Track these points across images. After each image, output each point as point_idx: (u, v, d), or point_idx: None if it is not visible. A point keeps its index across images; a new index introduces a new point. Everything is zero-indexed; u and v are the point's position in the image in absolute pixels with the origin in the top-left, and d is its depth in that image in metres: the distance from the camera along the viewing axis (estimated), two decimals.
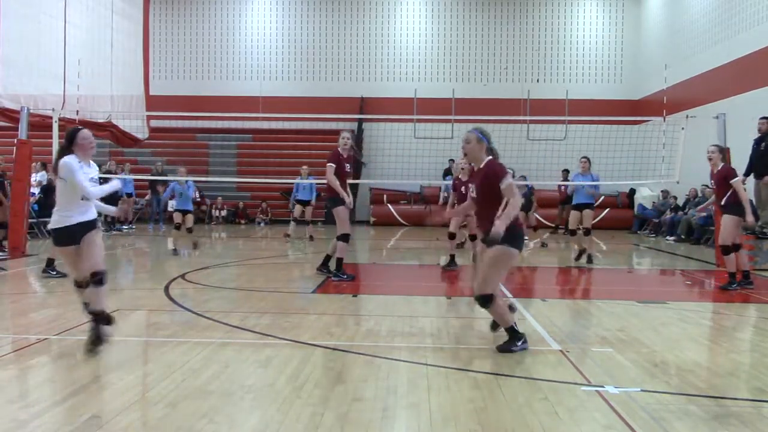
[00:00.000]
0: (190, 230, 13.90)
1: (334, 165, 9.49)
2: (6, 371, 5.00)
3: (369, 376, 4.92)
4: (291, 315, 7.29)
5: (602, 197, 21.73)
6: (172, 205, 22.97)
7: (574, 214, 12.85)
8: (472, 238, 10.78)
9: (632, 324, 7.02)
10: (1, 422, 3.92)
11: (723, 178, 9.48)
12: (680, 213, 18.81)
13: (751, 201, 13.64)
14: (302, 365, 5.24)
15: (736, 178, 9.39)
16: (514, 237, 5.57)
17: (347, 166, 9.70)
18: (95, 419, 3.96)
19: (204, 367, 5.07)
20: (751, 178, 12.90)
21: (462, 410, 4.23)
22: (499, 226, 5.39)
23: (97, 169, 6.04)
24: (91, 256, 5.68)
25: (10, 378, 4.87)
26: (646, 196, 22.23)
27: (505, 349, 5.68)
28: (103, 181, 6.10)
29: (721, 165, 9.57)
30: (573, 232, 13.10)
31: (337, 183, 9.44)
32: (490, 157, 5.83)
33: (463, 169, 10.89)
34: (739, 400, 4.58)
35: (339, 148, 9.65)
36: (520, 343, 5.70)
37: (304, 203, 16.84)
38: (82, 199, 5.69)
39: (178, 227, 13.86)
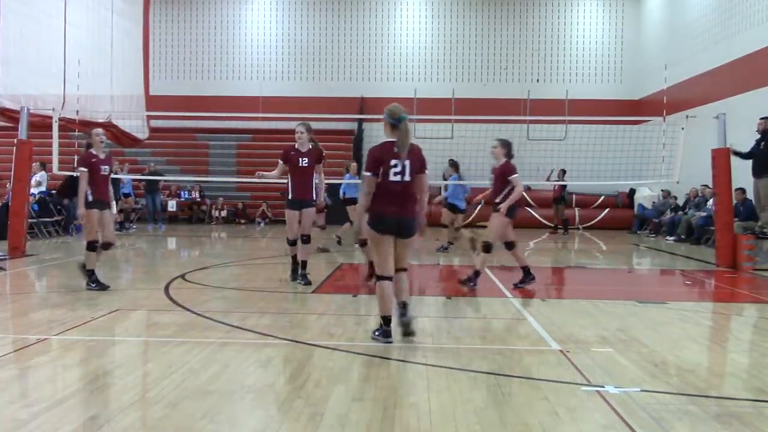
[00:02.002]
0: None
1: (280, 161, 9.21)
2: (6, 371, 5.00)
3: (369, 376, 4.92)
4: (291, 315, 7.30)
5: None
6: (172, 205, 23.11)
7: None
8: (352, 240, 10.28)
9: (632, 324, 7.02)
10: (1, 422, 3.92)
11: (502, 173, 8.89)
12: (680, 213, 18.82)
13: (752, 201, 13.72)
14: (302, 365, 5.24)
15: (515, 175, 8.80)
16: (371, 217, 5.95)
17: (302, 161, 9.07)
18: (95, 419, 3.96)
19: (204, 367, 5.07)
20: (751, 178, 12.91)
21: (462, 410, 4.23)
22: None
23: None
24: None
25: (10, 378, 4.87)
26: (646, 196, 22.23)
27: (373, 338, 6.00)
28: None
29: (503, 160, 8.92)
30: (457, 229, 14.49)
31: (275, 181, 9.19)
32: (386, 141, 5.96)
33: None
34: (739, 400, 4.58)
35: (296, 145, 9.18)
36: (377, 333, 5.98)
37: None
38: None
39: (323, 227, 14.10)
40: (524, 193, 23.27)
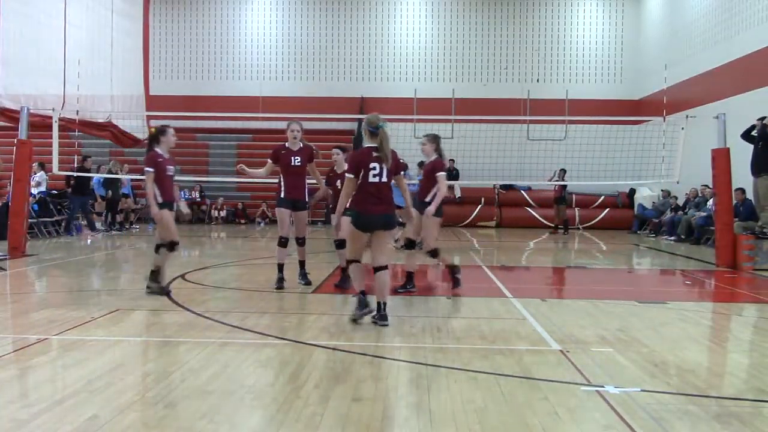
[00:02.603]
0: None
1: (269, 160, 8.97)
2: (6, 371, 5.00)
3: (369, 376, 4.92)
4: (291, 315, 7.30)
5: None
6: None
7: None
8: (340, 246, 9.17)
9: (632, 324, 7.02)
10: (1, 422, 3.92)
11: (432, 170, 8.56)
12: (680, 213, 18.82)
13: (752, 201, 13.72)
14: (302, 365, 5.24)
15: (442, 173, 8.46)
16: (354, 215, 6.69)
17: (294, 160, 8.78)
18: (95, 419, 3.96)
19: (204, 367, 5.07)
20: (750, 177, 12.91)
21: (462, 410, 4.23)
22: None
23: None
24: None
25: (10, 378, 4.87)
26: (646, 196, 22.23)
27: (353, 317, 6.65)
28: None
29: (434, 156, 8.65)
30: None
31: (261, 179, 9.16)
32: (366, 146, 6.74)
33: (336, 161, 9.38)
34: (739, 400, 4.58)
35: (287, 143, 8.92)
36: (357, 310, 6.63)
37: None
38: None
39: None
40: (524, 193, 23.53)
